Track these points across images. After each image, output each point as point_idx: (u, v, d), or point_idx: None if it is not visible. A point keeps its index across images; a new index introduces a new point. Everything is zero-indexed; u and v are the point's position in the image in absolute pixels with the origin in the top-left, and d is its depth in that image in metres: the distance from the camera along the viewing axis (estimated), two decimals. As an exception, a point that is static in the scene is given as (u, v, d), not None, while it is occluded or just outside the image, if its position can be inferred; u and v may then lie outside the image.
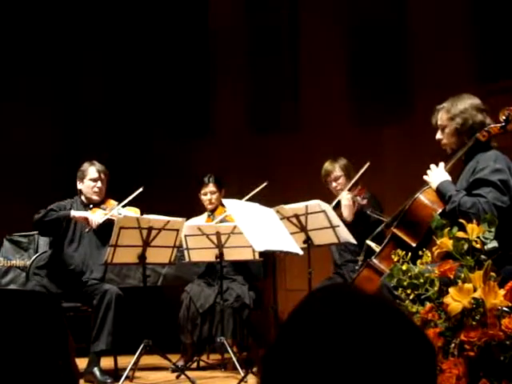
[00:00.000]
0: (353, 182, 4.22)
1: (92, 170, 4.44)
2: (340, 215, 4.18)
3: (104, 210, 4.38)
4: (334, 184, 4.38)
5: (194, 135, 6.03)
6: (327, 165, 4.42)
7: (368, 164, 4.15)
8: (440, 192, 3.10)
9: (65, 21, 6.09)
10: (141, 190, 4.28)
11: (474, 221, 2.85)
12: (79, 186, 4.47)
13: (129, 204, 4.35)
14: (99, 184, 4.42)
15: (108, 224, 4.23)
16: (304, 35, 5.64)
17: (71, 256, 4.32)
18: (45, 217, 4.25)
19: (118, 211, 4.32)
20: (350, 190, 4.20)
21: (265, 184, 4.48)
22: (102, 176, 4.45)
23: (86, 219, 4.24)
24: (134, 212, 4.36)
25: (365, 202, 4.09)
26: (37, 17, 5.93)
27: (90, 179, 4.43)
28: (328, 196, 4.32)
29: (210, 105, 6.01)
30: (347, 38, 5.48)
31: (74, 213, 4.28)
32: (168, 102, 6.16)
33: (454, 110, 3.12)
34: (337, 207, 4.18)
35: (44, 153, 5.78)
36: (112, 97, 6.26)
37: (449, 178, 3.15)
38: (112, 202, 4.44)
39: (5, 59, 5.74)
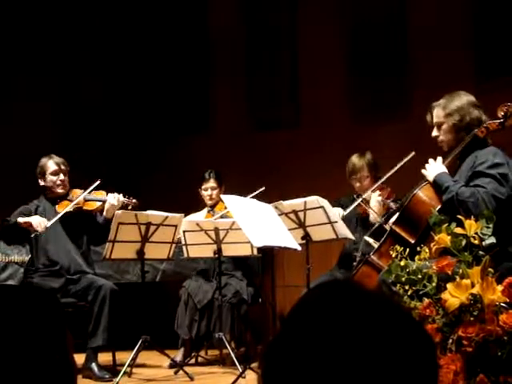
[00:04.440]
0: (378, 183, 4.05)
1: (51, 164, 4.37)
2: (362, 213, 4.13)
3: (70, 200, 4.36)
4: (357, 184, 4.30)
5: (193, 132, 6.03)
6: (356, 161, 4.27)
7: (405, 160, 3.86)
8: (437, 183, 3.10)
9: (63, 19, 6.07)
10: (98, 182, 4.27)
11: (473, 211, 2.85)
12: (41, 182, 4.40)
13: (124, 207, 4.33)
14: (61, 176, 4.37)
15: (78, 213, 4.29)
16: (303, 34, 5.64)
17: (52, 253, 4.32)
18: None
19: (85, 197, 4.33)
20: (374, 191, 4.07)
21: (262, 189, 4.44)
22: (63, 167, 4.40)
23: (31, 224, 4.16)
24: (100, 195, 4.36)
25: (394, 206, 3.88)
26: (35, 16, 5.91)
27: (51, 173, 4.36)
28: (327, 193, 4.32)
29: (210, 102, 6.00)
30: (346, 36, 5.47)
31: (19, 219, 4.19)
32: (168, 99, 6.15)
33: (451, 107, 3.12)
34: (355, 207, 4.05)
35: (42, 151, 5.75)
36: (111, 95, 6.25)
37: (446, 170, 3.15)
38: (77, 191, 4.42)
39: (4, 58, 5.72)
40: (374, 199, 4.07)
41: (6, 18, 5.77)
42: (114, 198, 4.26)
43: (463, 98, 3.14)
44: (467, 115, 3.10)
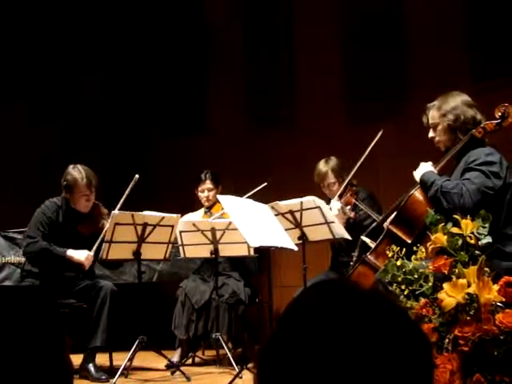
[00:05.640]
0: (342, 188, 4.13)
1: (82, 186, 4.10)
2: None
3: (93, 222, 4.17)
4: (327, 191, 4.36)
5: (190, 132, 6.03)
6: (321, 168, 4.36)
7: (360, 163, 4.05)
8: (423, 181, 3.11)
9: (63, 19, 6.07)
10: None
11: (456, 202, 2.84)
12: (66, 195, 4.17)
13: (123, 204, 4.18)
14: (91, 198, 4.15)
15: (97, 235, 4.15)
16: (300, 33, 5.64)
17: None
18: (38, 255, 4.05)
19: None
20: (340, 196, 4.13)
21: (265, 184, 4.45)
22: (93, 189, 4.14)
23: (81, 262, 4.07)
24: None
25: (352, 214, 4.04)
26: (35, 16, 5.90)
27: (80, 195, 4.13)
28: (323, 193, 4.33)
29: (207, 102, 6.00)
30: (344, 36, 5.48)
31: (69, 253, 4.08)
32: (165, 99, 6.15)
33: (445, 107, 3.13)
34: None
35: (42, 151, 5.77)
36: (110, 95, 6.25)
37: (433, 170, 3.16)
38: (103, 211, 4.24)
39: (4, 58, 5.72)
40: (335, 208, 4.08)
41: (7, 19, 5.76)
42: None
43: (457, 98, 3.14)
44: (462, 115, 3.11)
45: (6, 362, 0.81)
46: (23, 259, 4.49)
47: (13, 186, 5.36)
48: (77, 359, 4.03)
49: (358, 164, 4.08)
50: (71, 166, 4.20)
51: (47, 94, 5.93)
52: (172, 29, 6.11)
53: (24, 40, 5.82)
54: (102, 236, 4.11)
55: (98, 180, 4.22)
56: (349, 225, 4.11)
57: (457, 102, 3.13)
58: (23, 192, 4.72)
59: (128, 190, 4.11)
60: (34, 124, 5.73)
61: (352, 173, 4.11)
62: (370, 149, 4.03)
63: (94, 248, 4.14)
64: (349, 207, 4.07)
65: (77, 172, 4.15)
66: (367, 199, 4.26)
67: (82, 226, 4.22)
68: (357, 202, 4.08)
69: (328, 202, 4.16)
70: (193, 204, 4.95)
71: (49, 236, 4.15)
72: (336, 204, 4.09)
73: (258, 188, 4.40)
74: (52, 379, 0.84)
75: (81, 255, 4.12)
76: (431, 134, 3.20)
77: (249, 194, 4.33)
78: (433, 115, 3.18)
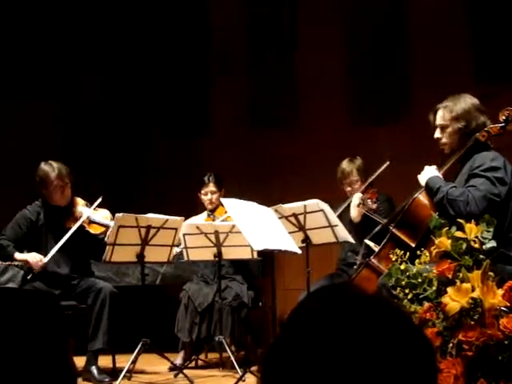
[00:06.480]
0: (367, 183, 4.17)
1: (54, 177, 4.15)
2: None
3: (73, 216, 4.21)
4: (348, 188, 4.34)
5: (193, 134, 6.03)
6: (345, 166, 4.33)
7: (387, 163, 4.10)
8: (429, 186, 3.10)
9: (63, 20, 6.08)
10: (100, 199, 4.20)
11: (462, 210, 2.84)
12: (42, 190, 4.21)
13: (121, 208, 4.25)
14: (65, 191, 4.20)
15: (80, 230, 4.17)
16: (303, 33, 5.64)
17: (50, 265, 4.21)
18: None
19: (90, 218, 4.22)
20: (363, 192, 4.15)
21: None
22: (66, 180, 4.19)
23: (27, 262, 4.11)
24: (104, 217, 4.26)
25: (374, 206, 4.01)
26: (36, 17, 5.91)
27: (54, 187, 4.17)
28: (326, 194, 4.32)
29: (209, 103, 6.01)
30: (346, 37, 5.48)
31: (16, 255, 4.14)
32: (167, 100, 6.15)
33: (457, 110, 3.09)
34: (347, 208, 4.15)
35: (43, 152, 5.76)
36: (111, 96, 6.25)
37: (439, 175, 3.14)
38: (80, 202, 4.29)
39: (4, 59, 5.73)
40: (356, 197, 4.09)
41: (7, 19, 5.77)
42: None
43: (469, 102, 3.12)
44: (473, 121, 3.08)
45: (10, 364, 0.81)
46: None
47: (14, 188, 5.37)
48: (79, 361, 4.04)
49: (381, 170, 4.13)
50: (42, 163, 4.27)
51: (47, 95, 5.93)
52: (175, 30, 6.12)
53: (24, 40, 5.82)
54: (76, 227, 4.14)
55: (71, 174, 4.26)
56: (366, 219, 4.09)
57: (468, 105, 3.10)
58: (23, 194, 4.72)
59: (95, 204, 4.22)
60: (34, 125, 5.72)
61: (376, 174, 4.14)
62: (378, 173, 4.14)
63: (56, 248, 4.13)
64: (370, 200, 4.06)
65: (47, 166, 4.22)
66: (386, 202, 4.26)
67: (69, 221, 4.24)
68: (376, 200, 4.08)
69: (346, 205, 4.19)
70: (195, 206, 4.94)
71: (29, 236, 4.21)
72: (358, 194, 4.09)
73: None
74: (56, 381, 0.84)
75: (27, 256, 4.14)
76: (438, 134, 3.17)
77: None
78: (443, 116, 3.14)
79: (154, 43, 6.18)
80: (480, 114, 3.09)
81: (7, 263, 4.66)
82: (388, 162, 4.14)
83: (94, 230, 4.28)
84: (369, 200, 4.02)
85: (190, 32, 6.07)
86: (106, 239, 4.16)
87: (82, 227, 4.21)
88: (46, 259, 4.12)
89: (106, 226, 4.23)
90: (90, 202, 4.37)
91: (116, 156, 6.19)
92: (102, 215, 4.32)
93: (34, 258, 4.11)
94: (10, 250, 4.16)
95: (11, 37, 5.78)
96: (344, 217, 4.24)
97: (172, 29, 6.12)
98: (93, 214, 4.27)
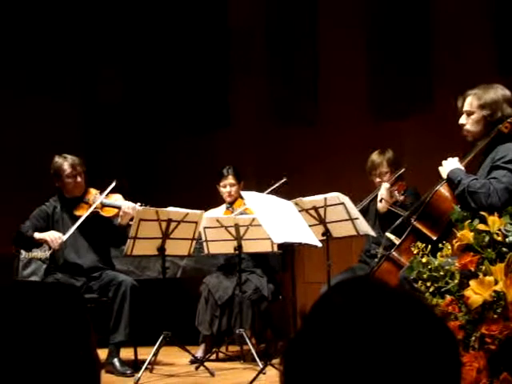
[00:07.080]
0: (396, 175, 4.16)
1: (67, 166, 4.31)
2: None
3: (87, 203, 4.34)
4: (377, 179, 4.32)
5: (214, 128, 6.04)
6: (375, 158, 4.31)
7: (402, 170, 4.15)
8: (450, 179, 3.07)
9: (83, 19, 6.11)
10: (114, 184, 4.29)
11: (484, 202, 2.81)
12: (57, 183, 4.37)
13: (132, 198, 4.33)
14: (78, 179, 4.32)
15: (95, 217, 4.28)
16: (323, 29, 5.61)
17: (71, 256, 4.33)
18: (16, 241, 4.31)
19: (102, 202, 4.32)
20: (392, 184, 4.13)
21: (284, 180, 4.48)
22: (79, 169, 4.34)
23: (46, 241, 4.20)
24: (116, 200, 4.35)
25: (402, 198, 3.99)
26: (55, 16, 5.94)
27: (67, 175, 4.31)
28: (348, 189, 4.30)
29: (230, 98, 6.01)
30: (367, 33, 5.43)
31: (35, 235, 4.23)
32: (188, 95, 6.17)
33: (486, 99, 3.06)
34: (375, 199, 4.14)
35: (62, 150, 5.80)
36: (131, 93, 6.28)
37: (461, 167, 3.11)
38: (93, 191, 4.40)
39: (24, 58, 5.77)
40: (384, 188, 4.06)
41: (27, 17, 5.82)
42: (129, 208, 4.22)
43: (499, 92, 3.08)
44: (499, 111, 3.04)
45: (34, 357, 0.82)
46: (48, 254, 4.56)
47: (31, 186, 5.42)
48: (101, 354, 4.07)
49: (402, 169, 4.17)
50: (56, 156, 4.42)
51: (67, 94, 5.97)
52: (195, 25, 6.12)
53: (44, 38, 5.86)
54: (89, 212, 4.24)
55: (85, 164, 4.41)
56: (390, 211, 4.07)
57: (498, 95, 3.06)
58: (41, 191, 4.78)
59: (109, 189, 4.28)
60: (54, 124, 5.77)
61: (404, 168, 4.15)
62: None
63: (73, 229, 4.23)
64: (398, 192, 4.04)
65: (61, 158, 4.38)
66: (413, 196, 4.23)
67: (82, 209, 4.35)
68: (404, 192, 4.08)
69: (373, 196, 4.19)
70: (214, 199, 4.96)
71: (46, 229, 4.31)
72: (385, 184, 4.07)
73: (276, 185, 4.42)
74: (80, 375, 0.84)
75: (46, 234, 4.23)
76: (462, 120, 3.14)
77: (268, 190, 4.34)
78: (471, 102, 3.10)
79: (174, 41, 6.20)
80: (508, 105, 3.05)
81: (30, 256, 4.72)
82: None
83: (107, 213, 4.36)
84: (396, 192, 4.00)
85: (210, 27, 6.07)
86: (119, 221, 4.27)
87: (95, 213, 4.29)
88: (64, 237, 4.20)
89: (119, 208, 4.29)
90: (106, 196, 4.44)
91: (136, 151, 6.22)
92: (115, 198, 4.39)
93: (52, 235, 4.21)
94: (29, 233, 4.26)
95: (31, 35, 5.83)
96: (371, 208, 4.23)
97: (192, 24, 6.12)
98: (105, 199, 4.35)
